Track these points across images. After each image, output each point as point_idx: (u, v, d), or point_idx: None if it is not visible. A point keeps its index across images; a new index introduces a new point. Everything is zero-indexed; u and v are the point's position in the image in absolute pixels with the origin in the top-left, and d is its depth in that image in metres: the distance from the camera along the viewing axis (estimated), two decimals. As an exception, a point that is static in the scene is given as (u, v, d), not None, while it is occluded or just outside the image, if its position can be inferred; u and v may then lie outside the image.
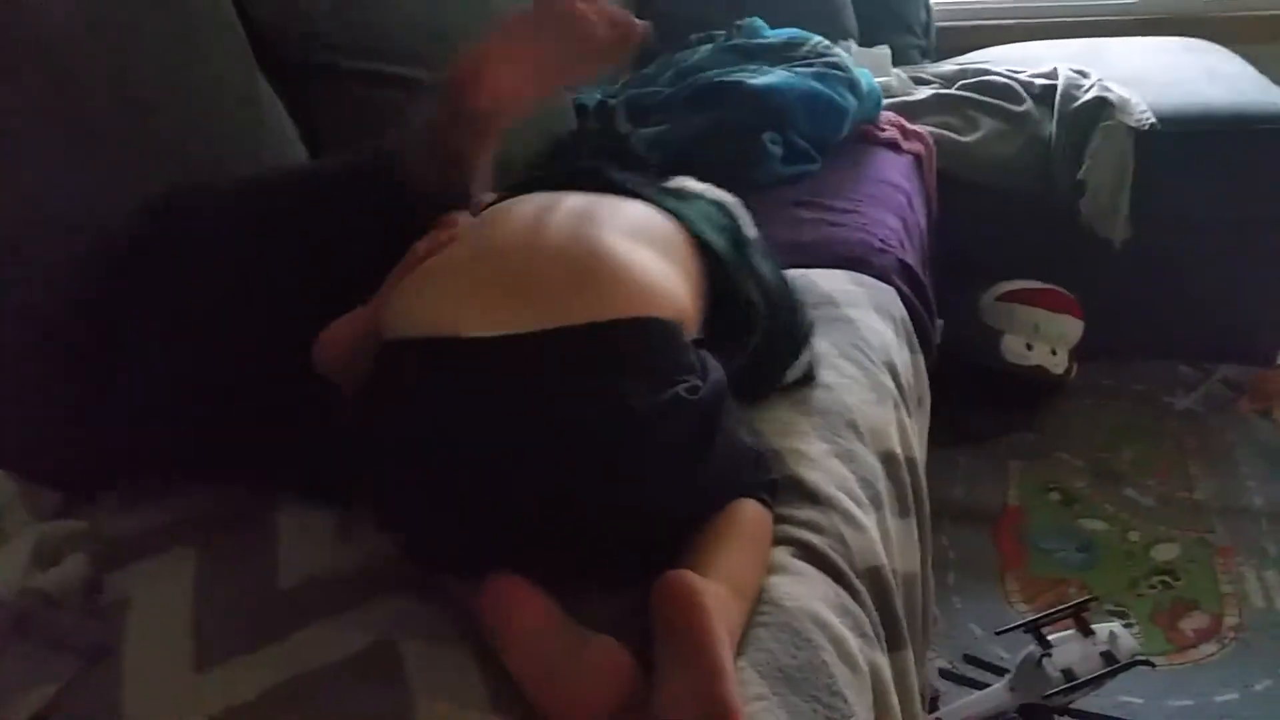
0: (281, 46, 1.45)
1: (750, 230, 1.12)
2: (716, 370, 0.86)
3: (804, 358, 1.12)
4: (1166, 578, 1.68)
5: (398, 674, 0.77)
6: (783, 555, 0.88)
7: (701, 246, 0.98)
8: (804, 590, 0.85)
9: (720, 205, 1.13)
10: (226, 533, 0.97)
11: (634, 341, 0.81)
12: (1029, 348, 2.07)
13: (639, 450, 0.78)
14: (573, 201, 0.95)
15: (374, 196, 1.05)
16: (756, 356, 1.01)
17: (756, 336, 1.00)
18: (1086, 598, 1.46)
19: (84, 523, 0.96)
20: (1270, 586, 1.65)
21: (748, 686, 0.72)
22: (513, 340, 0.78)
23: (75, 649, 0.82)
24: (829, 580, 0.88)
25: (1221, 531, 1.77)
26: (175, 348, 1.03)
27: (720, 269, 0.98)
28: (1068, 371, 2.12)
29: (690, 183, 1.20)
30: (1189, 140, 2.09)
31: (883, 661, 0.86)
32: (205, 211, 1.12)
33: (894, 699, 0.85)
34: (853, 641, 0.82)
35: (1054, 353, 2.09)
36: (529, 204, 0.97)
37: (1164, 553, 1.74)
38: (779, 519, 0.91)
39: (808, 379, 1.13)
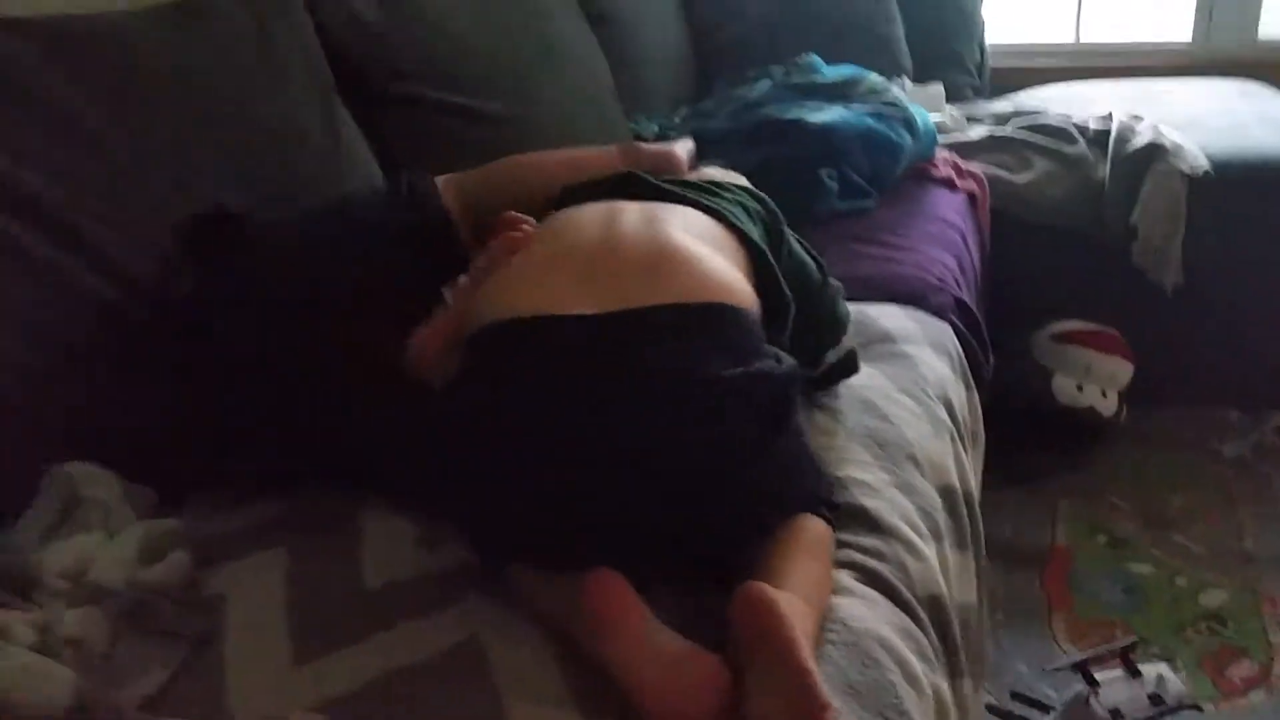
0: (360, 77, 1.53)
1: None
2: (789, 359, 0.92)
3: (845, 343, 1.18)
4: (1214, 623, 1.69)
5: (483, 672, 0.81)
6: (847, 579, 0.92)
7: (743, 238, 1.05)
8: (869, 613, 0.88)
9: (750, 192, 1.19)
10: (313, 535, 1.01)
11: (717, 322, 0.89)
12: (1080, 389, 2.08)
13: (722, 413, 0.84)
14: (632, 207, 1.03)
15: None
16: (796, 339, 1.06)
17: (794, 319, 1.06)
18: (1134, 639, 1.48)
19: (179, 521, 1.01)
20: (1320, 637, 1.65)
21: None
22: (609, 316, 0.87)
23: (182, 638, 0.86)
24: (893, 606, 0.91)
25: (1270, 580, 1.77)
26: (257, 357, 1.08)
27: (761, 259, 1.05)
28: (1118, 414, 2.13)
29: (716, 172, 1.28)
30: (1242, 187, 2.10)
31: (944, 686, 0.89)
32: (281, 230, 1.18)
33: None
34: (916, 664, 0.85)
35: (1105, 394, 2.10)
36: (592, 210, 1.05)
37: (1212, 599, 1.74)
38: (842, 544, 0.94)
39: (850, 368, 1.16)
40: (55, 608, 0.85)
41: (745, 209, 1.12)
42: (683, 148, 1.38)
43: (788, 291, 1.06)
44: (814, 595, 0.83)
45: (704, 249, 0.97)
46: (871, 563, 0.94)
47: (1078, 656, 1.44)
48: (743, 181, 1.26)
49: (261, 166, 1.27)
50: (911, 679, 0.83)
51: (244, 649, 0.87)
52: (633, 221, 1.00)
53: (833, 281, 1.21)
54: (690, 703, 0.73)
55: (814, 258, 1.19)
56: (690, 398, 0.84)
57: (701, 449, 0.84)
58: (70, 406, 1.04)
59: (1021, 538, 1.92)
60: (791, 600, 0.76)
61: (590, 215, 1.04)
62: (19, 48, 1.09)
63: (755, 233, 1.08)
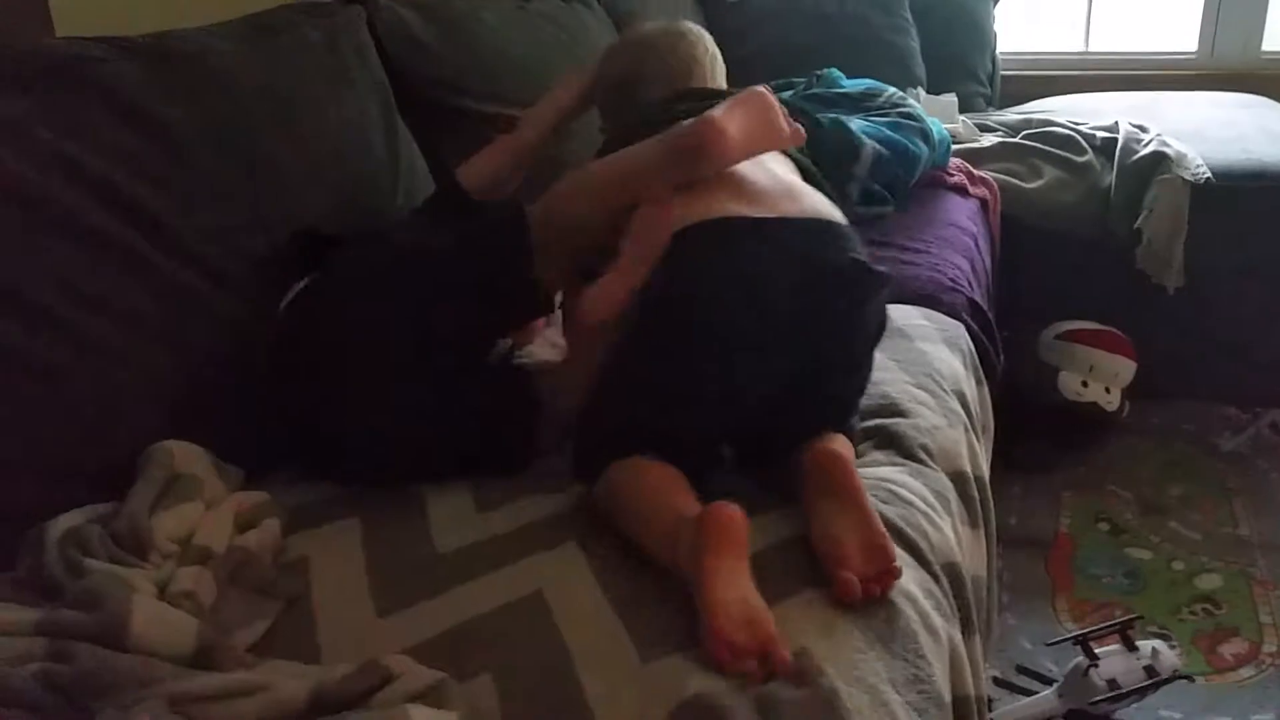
0: (416, 90, 1.64)
1: None
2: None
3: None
4: (1209, 605, 1.79)
5: (547, 618, 0.91)
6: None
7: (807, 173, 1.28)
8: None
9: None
10: (381, 507, 1.13)
11: (848, 233, 1.14)
12: (1084, 385, 2.18)
13: (864, 293, 1.09)
14: (746, 164, 1.19)
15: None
16: None
17: None
18: (1132, 616, 1.58)
19: (267, 495, 1.12)
20: (1309, 619, 1.75)
21: (851, 637, 0.87)
22: (776, 219, 1.11)
23: (276, 596, 0.98)
24: (916, 564, 1.01)
25: (1263, 566, 1.87)
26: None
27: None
28: (1120, 409, 2.22)
29: None
30: (1242, 194, 2.20)
31: (959, 639, 0.99)
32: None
33: (967, 670, 0.98)
34: (935, 617, 0.95)
35: (1108, 391, 2.20)
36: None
37: (1207, 582, 1.84)
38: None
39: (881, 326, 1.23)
40: (168, 567, 0.96)
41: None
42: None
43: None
44: None
45: (808, 187, 1.21)
46: (899, 524, 1.04)
47: (1078, 632, 1.54)
48: None
49: (332, 174, 1.38)
50: (930, 629, 0.94)
51: (331, 604, 0.98)
52: (752, 169, 1.18)
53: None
54: (741, 652, 0.82)
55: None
56: (844, 275, 1.07)
57: (848, 326, 1.09)
58: (174, 392, 1.15)
59: (1027, 524, 2.02)
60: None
61: (722, 173, 1.18)
62: (125, 65, 1.19)
63: (815, 170, 1.30)
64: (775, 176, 1.19)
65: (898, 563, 0.93)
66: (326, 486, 1.18)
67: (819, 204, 1.17)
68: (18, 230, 1.05)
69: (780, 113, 1.22)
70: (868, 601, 0.91)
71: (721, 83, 1.51)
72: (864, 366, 1.16)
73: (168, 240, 1.17)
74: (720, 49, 2.50)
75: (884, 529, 0.95)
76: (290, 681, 0.80)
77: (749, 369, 1.05)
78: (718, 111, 1.14)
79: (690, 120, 1.15)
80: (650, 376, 1.06)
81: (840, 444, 1.06)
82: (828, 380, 1.11)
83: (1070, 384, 2.18)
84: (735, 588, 0.86)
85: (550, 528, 1.06)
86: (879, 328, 1.16)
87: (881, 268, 1.10)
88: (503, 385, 1.22)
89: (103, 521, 0.98)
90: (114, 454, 1.07)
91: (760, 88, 1.21)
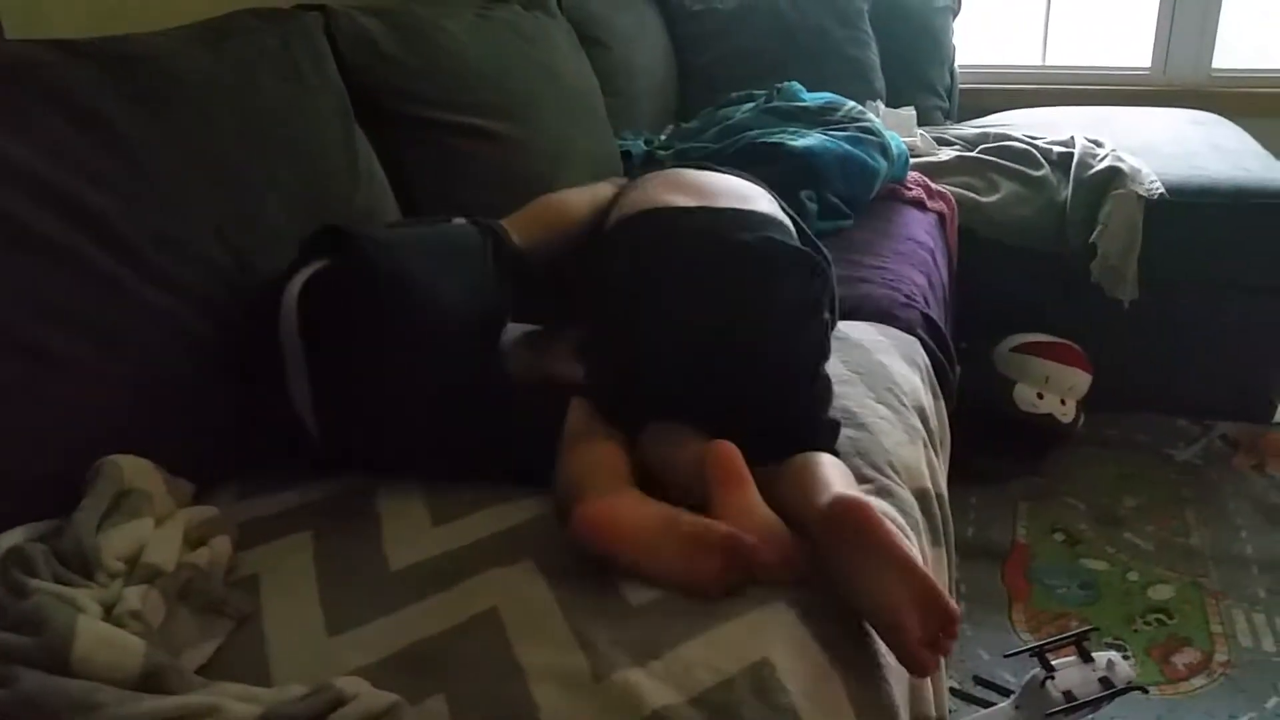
0: (376, 98, 1.62)
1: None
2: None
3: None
4: (1162, 615, 1.81)
5: (501, 635, 0.90)
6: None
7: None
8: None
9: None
10: (334, 520, 1.11)
11: (777, 222, 1.24)
12: (1040, 397, 2.21)
13: (773, 267, 1.16)
14: (691, 170, 1.37)
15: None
16: None
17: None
18: (1087, 628, 1.59)
19: (218, 510, 1.10)
20: (1258, 628, 1.78)
21: (816, 655, 0.88)
22: (700, 209, 1.23)
23: (226, 615, 0.96)
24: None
25: (1214, 576, 1.90)
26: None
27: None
28: (1075, 421, 2.25)
29: None
30: (1194, 210, 2.24)
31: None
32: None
33: (929, 690, 0.99)
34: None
35: (1063, 403, 2.23)
36: (663, 174, 1.38)
37: (1160, 593, 1.87)
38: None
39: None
40: (115, 586, 0.94)
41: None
42: None
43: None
44: None
45: (753, 192, 1.33)
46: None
47: (1035, 644, 1.55)
48: None
49: (290, 181, 1.35)
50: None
51: (282, 623, 0.96)
52: (698, 173, 1.34)
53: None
54: (777, 553, 0.93)
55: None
56: (762, 255, 1.16)
57: (761, 299, 1.14)
58: (125, 404, 1.12)
59: (984, 535, 2.04)
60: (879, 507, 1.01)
61: (664, 176, 1.35)
62: (78, 69, 1.16)
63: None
64: (728, 181, 1.34)
65: (956, 606, 0.87)
66: (274, 500, 1.17)
67: (757, 201, 1.29)
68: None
69: None
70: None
71: None
72: (802, 356, 1.17)
73: (119, 247, 1.13)
74: (685, 59, 2.54)
75: (931, 575, 0.86)
76: (240, 705, 0.79)
77: (673, 333, 1.13)
78: None
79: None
80: (602, 343, 1.19)
81: (844, 481, 1.01)
82: (761, 361, 1.13)
83: (1026, 396, 2.21)
84: (747, 514, 0.96)
85: (506, 542, 1.05)
86: (802, 310, 1.19)
87: (802, 249, 1.20)
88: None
89: (47, 539, 0.96)
90: (59, 467, 1.04)
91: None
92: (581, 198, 1.47)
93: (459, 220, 1.34)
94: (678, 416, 1.11)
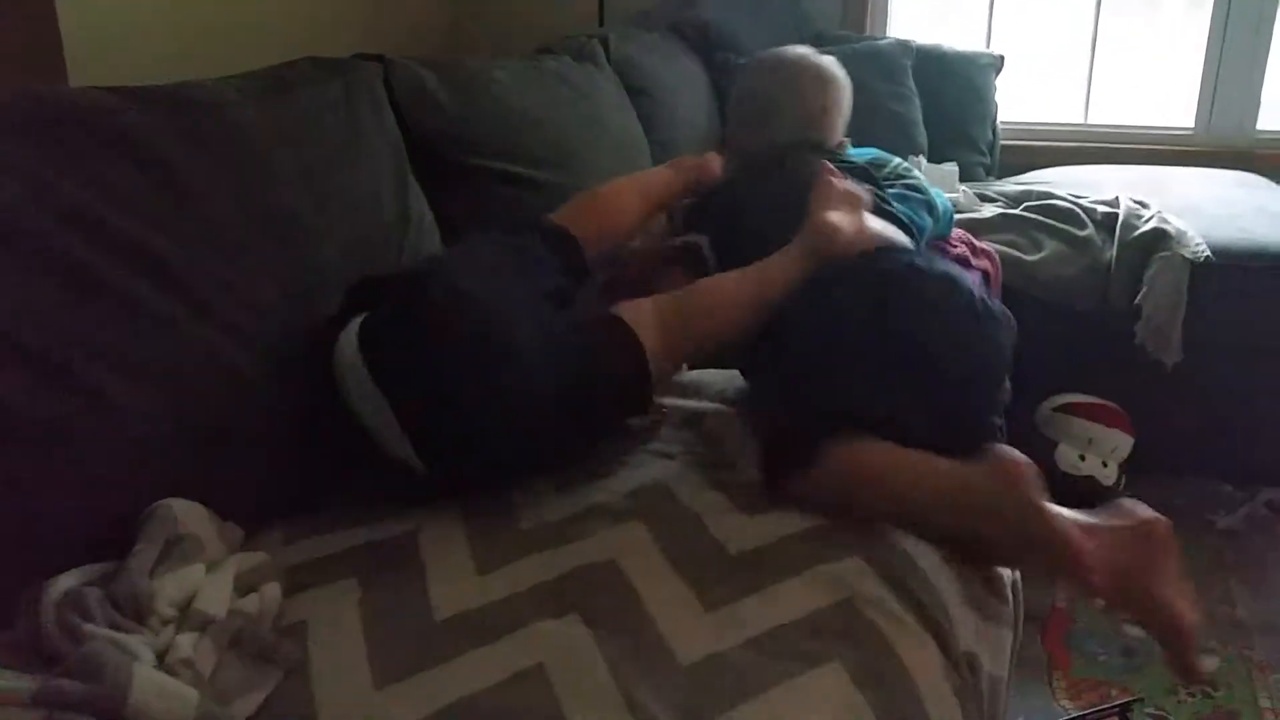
0: (429, 147, 1.65)
1: None
2: None
3: None
4: (1207, 687, 1.77)
5: (549, 693, 0.90)
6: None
7: None
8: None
9: None
10: (380, 565, 1.12)
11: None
12: (1081, 459, 2.18)
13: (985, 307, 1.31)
14: None
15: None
16: None
17: None
18: (1131, 698, 1.56)
19: (268, 555, 1.10)
20: (1307, 704, 1.74)
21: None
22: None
23: (275, 663, 0.96)
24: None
25: (1260, 648, 1.86)
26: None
27: None
28: (1117, 483, 2.22)
29: None
30: (1240, 274, 2.22)
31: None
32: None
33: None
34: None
35: (1105, 465, 2.21)
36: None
37: (1205, 664, 1.83)
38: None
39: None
40: (167, 633, 0.95)
41: None
42: (714, 159, 1.71)
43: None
44: None
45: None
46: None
47: (1077, 713, 1.53)
48: None
49: (344, 228, 1.38)
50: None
51: (328, 674, 0.96)
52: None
53: None
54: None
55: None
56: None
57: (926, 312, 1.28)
58: (181, 447, 1.13)
59: (1024, 598, 2.00)
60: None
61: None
62: (141, 114, 1.18)
63: None
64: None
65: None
66: (321, 544, 1.17)
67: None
68: (23, 281, 1.04)
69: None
70: None
71: (840, 130, 1.82)
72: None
73: (177, 290, 1.16)
74: (724, 108, 2.58)
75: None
76: (290, 760, 0.79)
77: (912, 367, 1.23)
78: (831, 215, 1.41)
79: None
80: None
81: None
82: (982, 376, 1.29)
83: (1068, 457, 2.18)
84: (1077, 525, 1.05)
85: (552, 593, 1.04)
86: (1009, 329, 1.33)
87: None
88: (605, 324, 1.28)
89: (101, 583, 0.97)
90: (115, 510, 1.05)
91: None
92: (631, 188, 1.56)
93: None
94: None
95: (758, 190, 1.61)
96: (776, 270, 1.37)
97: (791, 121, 1.75)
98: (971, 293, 1.30)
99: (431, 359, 1.15)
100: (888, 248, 1.42)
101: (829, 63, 1.82)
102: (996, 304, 1.34)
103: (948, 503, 1.12)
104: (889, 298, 1.27)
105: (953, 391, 1.24)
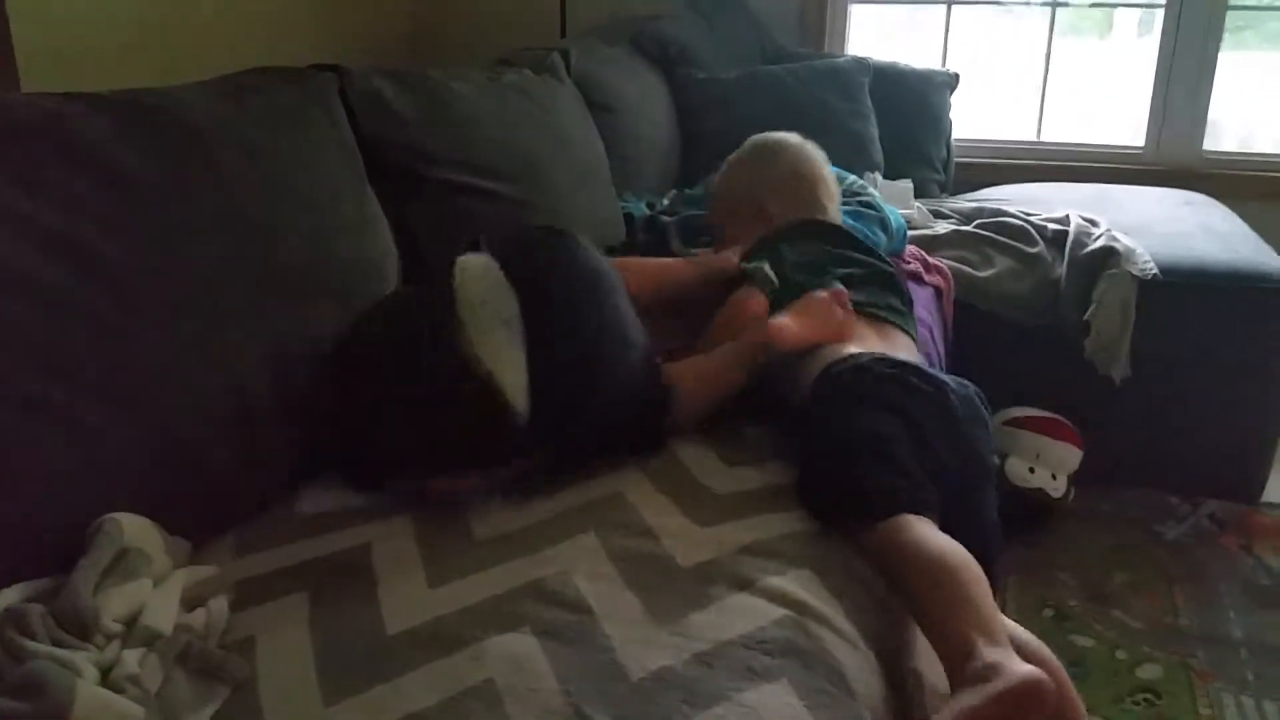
0: (387, 157, 1.64)
1: None
2: None
3: None
4: (1150, 695, 1.81)
5: (499, 707, 0.90)
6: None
7: None
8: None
9: None
10: (332, 578, 1.11)
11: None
12: (1031, 471, 2.22)
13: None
14: None
15: None
16: None
17: None
18: (1077, 708, 1.59)
19: (216, 569, 1.10)
20: (1247, 711, 1.77)
21: None
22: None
23: (222, 679, 0.95)
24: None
25: (1203, 657, 1.90)
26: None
27: None
28: (1066, 495, 2.26)
29: None
30: (1186, 291, 2.28)
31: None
32: None
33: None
34: None
35: (1054, 477, 2.24)
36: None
37: (1148, 672, 1.87)
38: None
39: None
40: (113, 649, 0.93)
41: None
42: (735, 252, 1.73)
43: None
44: None
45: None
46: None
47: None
48: None
49: (300, 230, 1.37)
50: None
51: (277, 691, 0.95)
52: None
53: None
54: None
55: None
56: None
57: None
58: (127, 458, 1.12)
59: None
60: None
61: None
62: (94, 120, 1.17)
63: None
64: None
65: None
66: (271, 557, 1.17)
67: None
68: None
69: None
70: None
71: (832, 207, 1.85)
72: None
73: (127, 298, 1.14)
74: (688, 126, 2.60)
75: None
76: (236, 777, 0.78)
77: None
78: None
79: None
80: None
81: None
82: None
83: (1018, 470, 2.22)
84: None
85: (502, 609, 1.04)
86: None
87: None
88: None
89: (45, 599, 0.95)
90: (58, 523, 1.04)
91: (821, 294, 1.50)
92: (651, 271, 1.64)
93: None
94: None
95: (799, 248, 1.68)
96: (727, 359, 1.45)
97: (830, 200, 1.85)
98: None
99: (566, 288, 1.29)
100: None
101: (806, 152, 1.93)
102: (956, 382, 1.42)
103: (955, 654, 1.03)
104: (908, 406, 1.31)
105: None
